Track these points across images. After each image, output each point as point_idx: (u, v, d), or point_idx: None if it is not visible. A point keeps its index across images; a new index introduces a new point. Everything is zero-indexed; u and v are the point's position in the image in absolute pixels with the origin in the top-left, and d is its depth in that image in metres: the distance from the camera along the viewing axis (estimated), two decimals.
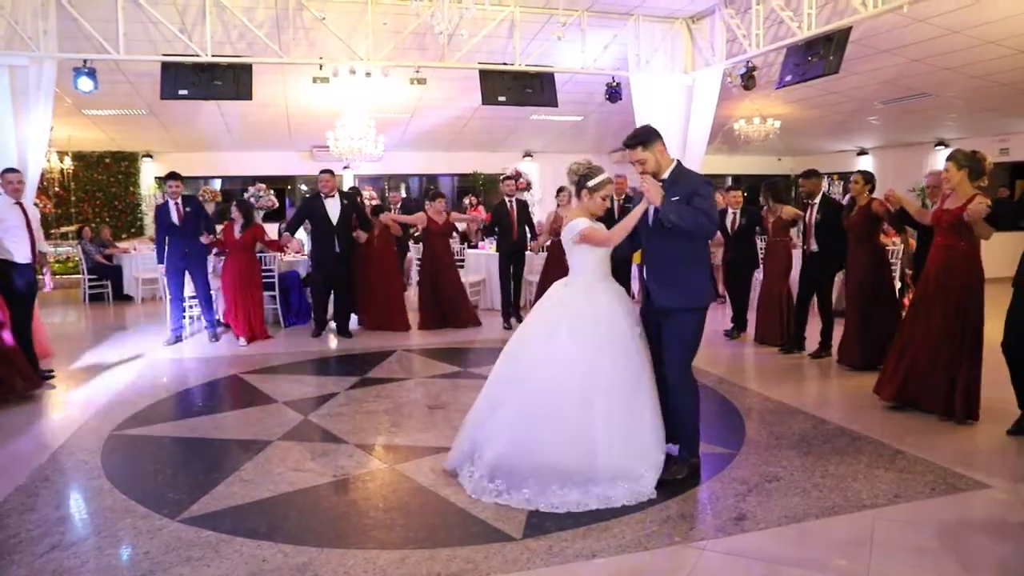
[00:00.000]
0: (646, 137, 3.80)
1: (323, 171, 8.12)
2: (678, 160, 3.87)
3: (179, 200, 7.52)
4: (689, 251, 3.75)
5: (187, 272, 7.66)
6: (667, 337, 3.80)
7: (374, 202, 14.53)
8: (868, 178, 6.18)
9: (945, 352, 4.71)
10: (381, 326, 8.25)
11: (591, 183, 3.88)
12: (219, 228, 8.14)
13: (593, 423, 3.57)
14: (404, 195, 16.57)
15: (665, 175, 3.79)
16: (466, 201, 14.61)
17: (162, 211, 7.59)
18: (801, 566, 2.97)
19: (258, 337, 7.81)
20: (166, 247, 7.57)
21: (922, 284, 4.94)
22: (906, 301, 6.50)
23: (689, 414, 3.83)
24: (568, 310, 3.77)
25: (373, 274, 8.27)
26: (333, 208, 7.92)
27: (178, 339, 7.70)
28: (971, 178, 4.65)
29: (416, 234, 11.43)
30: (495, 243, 9.31)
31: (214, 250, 8.00)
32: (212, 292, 7.95)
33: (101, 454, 4.35)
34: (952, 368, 4.70)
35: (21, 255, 6.04)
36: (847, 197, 6.39)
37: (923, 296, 4.89)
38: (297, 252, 8.26)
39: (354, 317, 8.46)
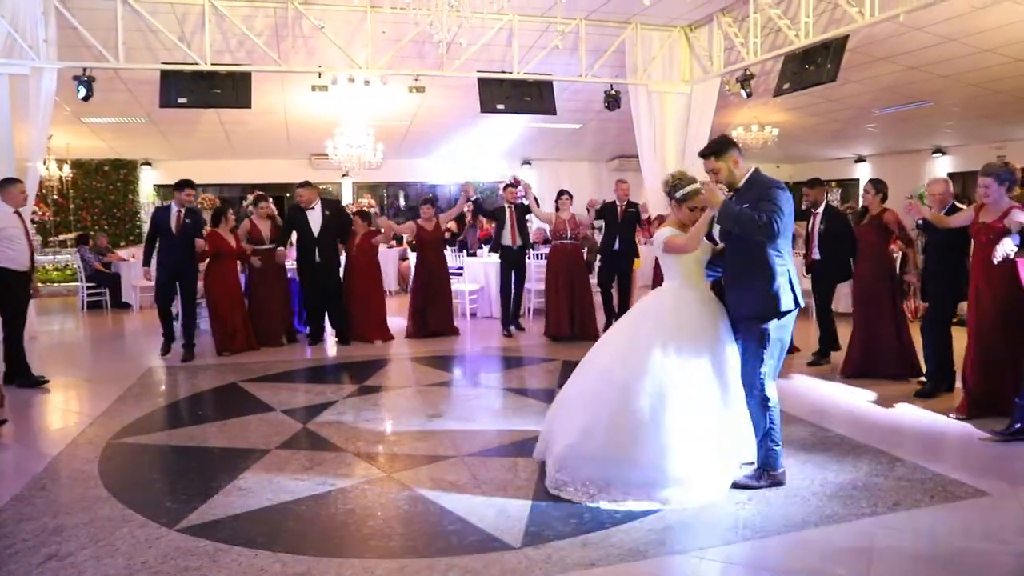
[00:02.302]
0: (718, 147, 3.86)
1: (300, 185, 8.05)
2: (755, 168, 3.86)
3: (183, 209, 7.33)
4: (752, 257, 3.70)
5: (177, 283, 7.43)
6: (745, 341, 3.82)
7: (372, 209, 14.52)
8: (879, 187, 6.11)
9: (1008, 357, 4.71)
10: (360, 337, 8.03)
11: (679, 194, 3.97)
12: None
13: (659, 423, 3.61)
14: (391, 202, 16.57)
15: (741, 183, 3.82)
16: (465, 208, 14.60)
17: (162, 215, 7.36)
18: (800, 575, 2.96)
19: (251, 347, 7.65)
20: (156, 253, 7.35)
21: (974, 302, 4.88)
22: (904, 307, 6.46)
23: (763, 429, 3.77)
24: (652, 313, 3.94)
25: (353, 285, 8.12)
26: (315, 220, 7.88)
27: (171, 349, 7.52)
28: (1008, 190, 4.69)
29: (412, 242, 11.44)
30: (495, 248, 9.34)
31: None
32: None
33: (98, 463, 4.33)
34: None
35: (21, 263, 6.05)
36: (860, 206, 6.37)
37: (980, 312, 4.83)
38: (281, 259, 8.05)
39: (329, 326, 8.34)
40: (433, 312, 8.46)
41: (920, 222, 5.49)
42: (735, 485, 3.75)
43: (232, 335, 7.55)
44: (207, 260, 7.52)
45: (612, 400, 3.74)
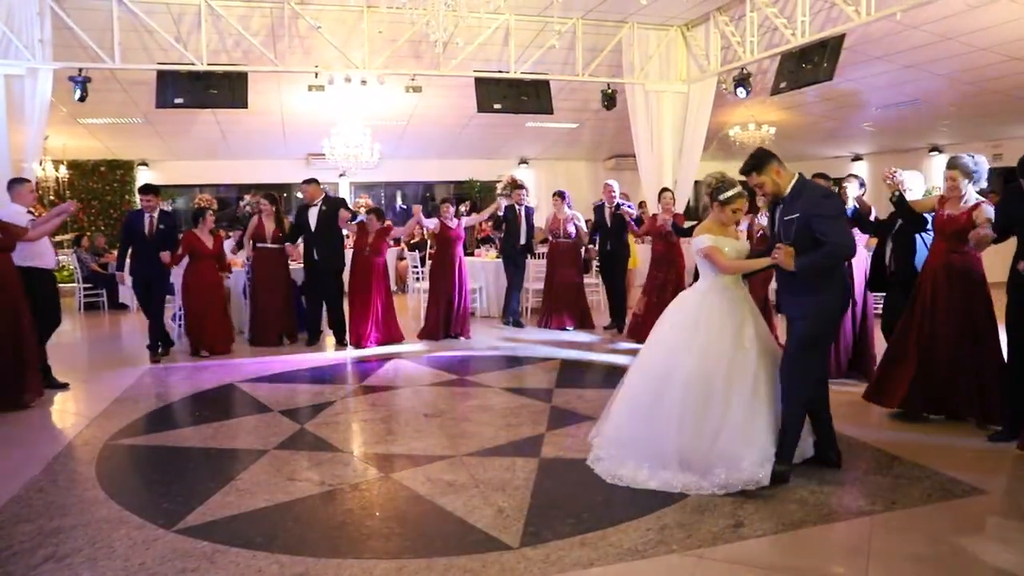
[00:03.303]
0: (758, 162, 3.86)
1: (306, 182, 8.05)
2: (800, 175, 3.88)
3: (155, 214, 7.19)
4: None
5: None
6: (789, 337, 3.90)
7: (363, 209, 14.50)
8: (861, 183, 6.16)
9: (967, 357, 4.68)
10: (380, 340, 7.92)
11: (721, 196, 3.99)
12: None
13: (670, 411, 3.80)
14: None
15: (787, 192, 3.84)
16: (462, 208, 14.60)
17: (134, 219, 7.24)
18: (798, 574, 2.97)
19: (227, 349, 7.60)
20: (128, 258, 7.23)
21: (924, 291, 4.86)
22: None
23: (787, 421, 3.81)
24: (673, 314, 4.11)
25: (360, 285, 7.96)
26: (313, 217, 7.87)
27: (169, 352, 7.45)
28: (974, 184, 4.70)
29: (411, 241, 11.42)
30: (497, 247, 9.36)
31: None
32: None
33: (96, 464, 4.33)
34: (978, 373, 4.67)
35: (48, 261, 6.12)
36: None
37: (925, 302, 4.82)
38: (294, 260, 8.11)
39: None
40: (453, 313, 8.33)
41: (895, 195, 5.45)
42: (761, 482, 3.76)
43: (207, 335, 7.48)
44: (184, 260, 7.48)
45: (633, 391, 4.05)
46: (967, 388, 4.70)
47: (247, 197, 10.85)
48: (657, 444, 3.81)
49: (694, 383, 3.77)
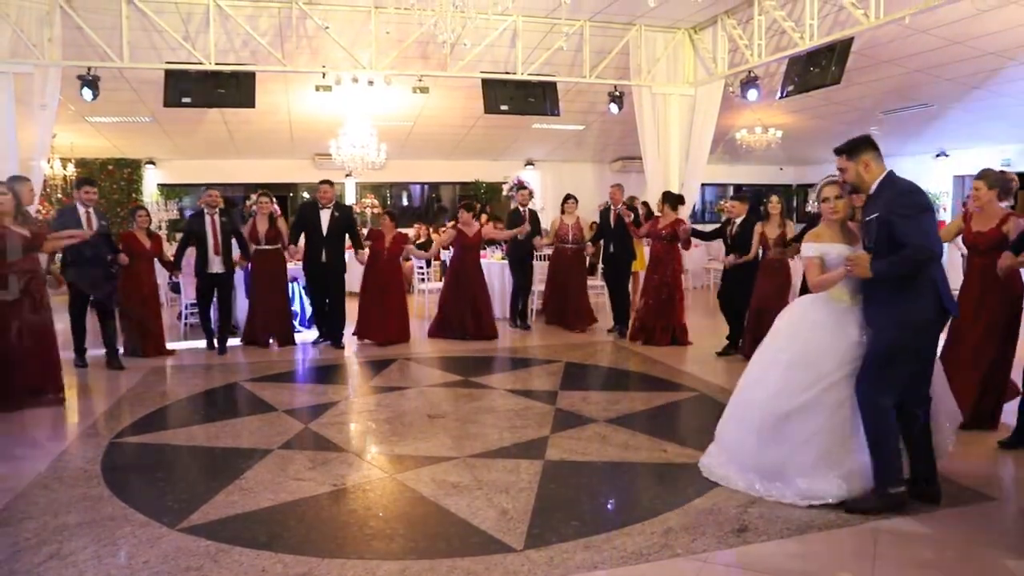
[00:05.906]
0: (852, 146, 3.60)
1: (323, 182, 8.06)
2: (889, 171, 3.54)
3: (90, 209, 6.72)
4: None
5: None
6: (868, 350, 3.58)
7: (374, 210, 14.53)
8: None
9: (985, 367, 4.69)
10: (388, 339, 8.00)
11: (814, 196, 3.93)
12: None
13: (762, 422, 3.73)
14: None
15: (872, 188, 3.55)
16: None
17: (69, 214, 6.65)
18: None
19: (161, 353, 7.44)
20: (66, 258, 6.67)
21: (962, 307, 4.76)
22: None
23: (872, 440, 3.52)
24: (779, 324, 3.99)
25: (379, 285, 8.06)
26: (326, 219, 7.87)
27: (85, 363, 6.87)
28: (999, 197, 4.66)
29: (418, 242, 11.43)
30: (504, 249, 9.38)
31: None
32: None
33: (101, 462, 4.33)
34: (998, 384, 4.70)
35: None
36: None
37: (964, 318, 4.75)
38: (295, 258, 8.08)
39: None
40: (471, 317, 8.33)
41: None
42: (847, 508, 3.53)
43: (147, 336, 7.40)
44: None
45: (738, 403, 4.02)
46: (987, 399, 4.71)
47: (253, 196, 10.83)
48: (754, 453, 3.78)
49: (798, 395, 3.63)
